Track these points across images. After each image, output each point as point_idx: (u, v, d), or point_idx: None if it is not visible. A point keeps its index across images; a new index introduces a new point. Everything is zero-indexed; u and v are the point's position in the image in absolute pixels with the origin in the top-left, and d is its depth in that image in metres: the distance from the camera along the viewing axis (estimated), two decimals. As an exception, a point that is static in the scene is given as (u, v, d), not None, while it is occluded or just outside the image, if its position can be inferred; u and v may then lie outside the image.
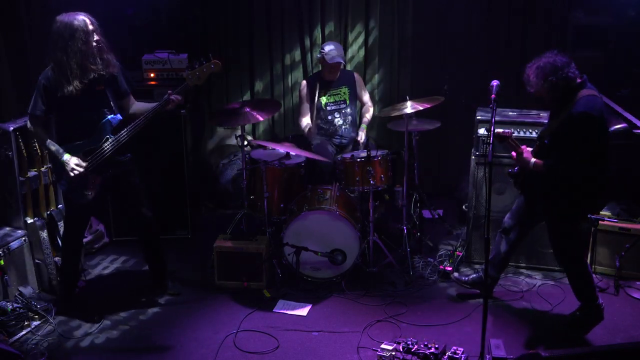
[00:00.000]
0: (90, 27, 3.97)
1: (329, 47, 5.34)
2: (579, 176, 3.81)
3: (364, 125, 5.52)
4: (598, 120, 3.73)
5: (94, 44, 3.97)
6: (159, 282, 4.70)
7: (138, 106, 4.31)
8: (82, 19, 3.95)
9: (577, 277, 4.04)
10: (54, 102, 4.06)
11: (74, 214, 4.38)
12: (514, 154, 3.93)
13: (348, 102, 5.51)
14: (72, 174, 4.04)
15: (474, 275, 4.49)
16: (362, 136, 5.41)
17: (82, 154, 4.09)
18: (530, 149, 3.94)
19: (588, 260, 4.73)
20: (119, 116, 4.18)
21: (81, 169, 4.04)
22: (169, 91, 4.15)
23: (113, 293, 4.73)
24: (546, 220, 4.08)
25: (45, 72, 4.06)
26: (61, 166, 4.09)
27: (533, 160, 3.87)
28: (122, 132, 4.11)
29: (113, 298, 4.64)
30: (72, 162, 4.04)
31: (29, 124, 4.19)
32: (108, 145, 4.10)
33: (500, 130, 4.02)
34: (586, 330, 4.05)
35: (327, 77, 5.44)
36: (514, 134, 4.05)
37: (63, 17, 3.96)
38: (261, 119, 4.98)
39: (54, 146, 4.09)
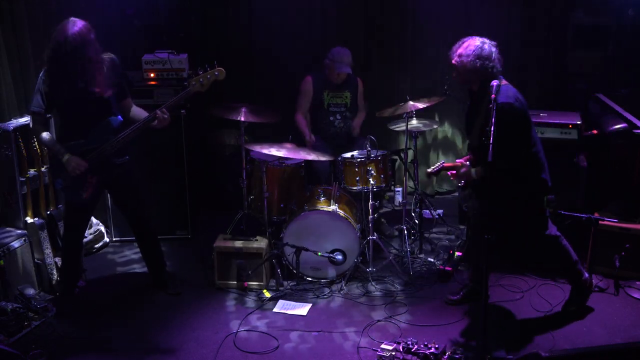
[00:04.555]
0: (89, 36, 3.90)
1: (337, 54, 5.30)
2: (518, 164, 3.85)
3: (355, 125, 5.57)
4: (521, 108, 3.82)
5: (89, 57, 3.91)
6: (158, 281, 4.71)
7: (135, 112, 4.30)
8: (84, 26, 3.89)
9: (559, 258, 4.17)
10: (54, 100, 4.07)
11: (72, 214, 4.39)
12: (453, 172, 4.02)
13: (349, 105, 5.51)
14: (73, 174, 4.05)
15: (463, 291, 4.49)
16: (357, 130, 5.48)
17: (81, 153, 4.09)
18: (467, 162, 4.03)
19: (587, 260, 4.74)
20: (119, 117, 4.19)
21: (82, 169, 4.05)
22: (159, 110, 4.11)
23: (113, 293, 4.73)
24: (508, 219, 4.10)
25: (45, 71, 4.05)
26: (60, 165, 4.09)
27: (473, 170, 3.93)
28: (121, 134, 4.11)
29: (113, 298, 4.64)
30: (73, 161, 4.04)
31: (30, 122, 4.20)
32: (107, 146, 4.11)
33: (429, 169, 4.13)
34: (583, 303, 4.26)
35: (332, 80, 5.43)
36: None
37: (65, 24, 3.89)
38: (259, 121, 4.97)
39: (55, 146, 4.10)
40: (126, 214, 4.58)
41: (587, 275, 4.21)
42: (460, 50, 3.92)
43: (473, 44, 3.88)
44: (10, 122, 4.59)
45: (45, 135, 4.13)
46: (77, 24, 3.90)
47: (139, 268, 5.07)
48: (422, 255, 5.12)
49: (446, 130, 6.35)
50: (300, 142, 5.29)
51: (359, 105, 5.60)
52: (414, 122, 5.28)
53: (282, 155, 4.75)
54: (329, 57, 5.36)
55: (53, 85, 4.01)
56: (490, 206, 3.90)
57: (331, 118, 5.50)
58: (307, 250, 4.60)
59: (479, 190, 4.15)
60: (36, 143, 4.52)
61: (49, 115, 4.34)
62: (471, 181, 4.01)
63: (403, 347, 3.71)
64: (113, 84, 4.12)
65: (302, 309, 4.43)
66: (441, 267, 4.85)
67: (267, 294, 4.60)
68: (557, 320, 4.22)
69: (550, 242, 4.14)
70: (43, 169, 4.65)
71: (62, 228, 4.64)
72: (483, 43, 3.88)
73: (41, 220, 4.64)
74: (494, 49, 3.89)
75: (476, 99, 4.02)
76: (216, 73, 4.15)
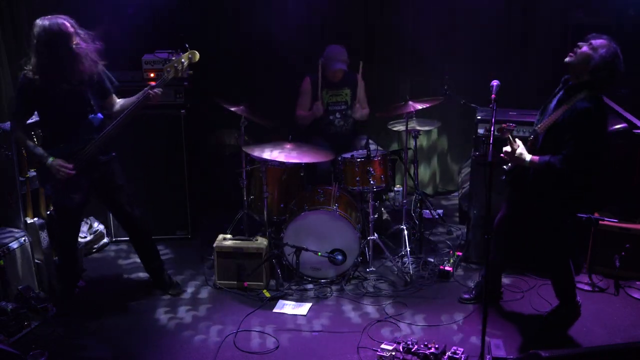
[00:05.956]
0: (70, 29, 3.91)
1: (331, 52, 5.29)
2: (578, 175, 3.72)
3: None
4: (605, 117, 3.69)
5: (73, 47, 3.90)
6: (158, 282, 4.70)
7: (121, 103, 4.27)
8: (61, 22, 3.89)
9: (560, 275, 4.03)
10: (34, 104, 4.03)
11: (64, 217, 4.35)
12: (507, 149, 3.79)
13: (349, 103, 5.50)
14: (59, 176, 4.01)
15: (476, 290, 4.49)
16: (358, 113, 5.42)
17: (66, 156, 4.05)
18: (522, 145, 3.81)
19: (587, 261, 4.75)
20: (100, 115, 4.16)
21: (67, 170, 4.02)
22: (151, 83, 4.14)
23: (113, 293, 4.72)
24: (536, 217, 3.96)
25: (25, 74, 4.00)
26: (46, 171, 4.06)
27: (529, 157, 3.73)
28: (105, 130, 4.09)
29: (113, 298, 4.64)
30: (57, 164, 4.01)
31: (9, 127, 4.17)
32: (91, 145, 4.08)
33: (505, 124, 3.88)
34: (564, 329, 4.07)
35: (329, 79, 5.42)
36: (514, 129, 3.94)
37: (42, 21, 3.89)
38: (258, 121, 4.97)
39: (38, 150, 4.07)
40: (115, 212, 4.53)
41: (578, 297, 4.06)
42: (597, 44, 3.67)
43: (611, 48, 3.66)
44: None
45: (27, 140, 4.11)
46: (53, 19, 3.89)
47: (139, 268, 5.06)
48: (422, 255, 5.12)
49: (447, 130, 6.36)
50: (300, 143, 5.29)
51: (360, 100, 5.58)
52: (414, 122, 5.28)
53: (281, 160, 4.70)
54: (323, 55, 5.35)
55: (32, 86, 3.95)
56: (527, 199, 3.85)
57: (331, 117, 5.49)
58: (307, 250, 4.60)
59: (519, 180, 3.94)
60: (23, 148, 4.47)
61: (32, 119, 4.27)
62: (520, 168, 3.81)
63: (403, 347, 3.72)
64: (93, 80, 4.09)
65: (302, 309, 4.43)
66: (441, 267, 4.85)
67: (267, 294, 4.60)
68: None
69: (560, 258, 4.00)
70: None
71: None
72: (619, 57, 3.69)
73: (41, 220, 4.64)
74: (622, 67, 3.68)
75: (567, 91, 3.78)
76: (190, 56, 4.19)
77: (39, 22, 3.91)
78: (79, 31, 3.98)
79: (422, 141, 6.36)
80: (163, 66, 5.31)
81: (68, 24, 3.92)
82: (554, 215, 3.90)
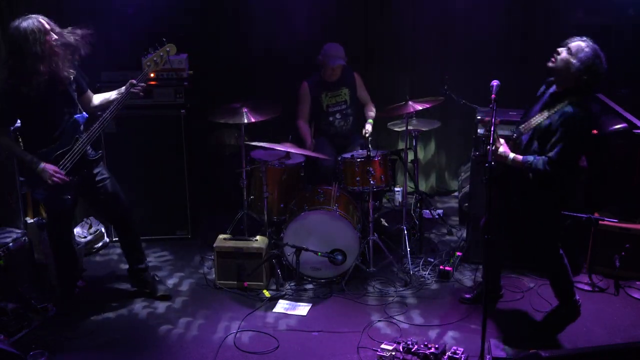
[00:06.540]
0: (47, 26, 3.85)
1: (329, 49, 5.31)
2: (562, 175, 3.74)
3: (370, 120, 5.49)
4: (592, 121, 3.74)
5: (51, 44, 3.85)
6: (143, 284, 4.62)
7: (100, 99, 4.27)
8: (36, 20, 3.83)
9: (556, 272, 4.02)
10: (17, 108, 3.98)
11: (59, 220, 4.32)
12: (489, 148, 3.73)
13: (349, 102, 5.50)
14: (50, 182, 3.96)
15: (477, 290, 4.48)
16: (368, 129, 5.37)
17: (54, 158, 4.01)
18: (505, 144, 3.82)
19: (587, 261, 4.75)
20: (85, 114, 4.14)
21: (60, 176, 3.97)
22: (132, 80, 4.16)
23: (113, 293, 4.72)
24: (523, 215, 3.95)
25: (5, 79, 3.95)
26: (36, 176, 3.99)
27: (512, 156, 3.75)
28: (91, 129, 4.08)
29: (113, 298, 4.63)
30: (50, 169, 3.96)
31: None
32: (79, 145, 4.06)
33: (486, 118, 3.88)
34: (560, 329, 4.05)
35: (327, 78, 5.42)
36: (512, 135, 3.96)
37: (16, 22, 3.84)
38: (260, 119, 4.96)
39: (27, 156, 4.00)
40: (107, 205, 4.43)
41: (578, 297, 4.05)
42: (575, 49, 3.64)
43: (589, 51, 3.61)
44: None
45: (14, 146, 4.09)
46: (27, 18, 3.85)
47: (139, 268, 5.07)
48: (422, 255, 5.12)
49: (447, 130, 6.36)
50: (300, 143, 5.30)
51: (362, 98, 5.59)
52: (414, 122, 5.28)
53: (285, 150, 4.73)
54: (321, 53, 5.35)
55: (14, 90, 3.88)
56: (511, 198, 3.85)
57: (330, 119, 5.49)
58: (307, 250, 4.60)
59: (501, 178, 3.90)
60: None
61: (15, 122, 4.21)
62: (501, 165, 3.79)
63: (403, 347, 3.72)
64: (73, 77, 4.07)
65: (302, 309, 4.43)
66: (441, 267, 4.85)
67: (267, 294, 4.60)
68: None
69: (552, 255, 3.99)
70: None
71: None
72: (599, 57, 3.62)
73: (41, 220, 4.64)
74: (605, 66, 3.62)
75: (552, 96, 3.78)
76: (167, 49, 4.29)
77: (13, 23, 3.85)
78: (56, 29, 3.91)
79: (422, 141, 6.36)
80: (163, 66, 5.35)
81: (43, 22, 3.86)
82: (540, 212, 3.89)
